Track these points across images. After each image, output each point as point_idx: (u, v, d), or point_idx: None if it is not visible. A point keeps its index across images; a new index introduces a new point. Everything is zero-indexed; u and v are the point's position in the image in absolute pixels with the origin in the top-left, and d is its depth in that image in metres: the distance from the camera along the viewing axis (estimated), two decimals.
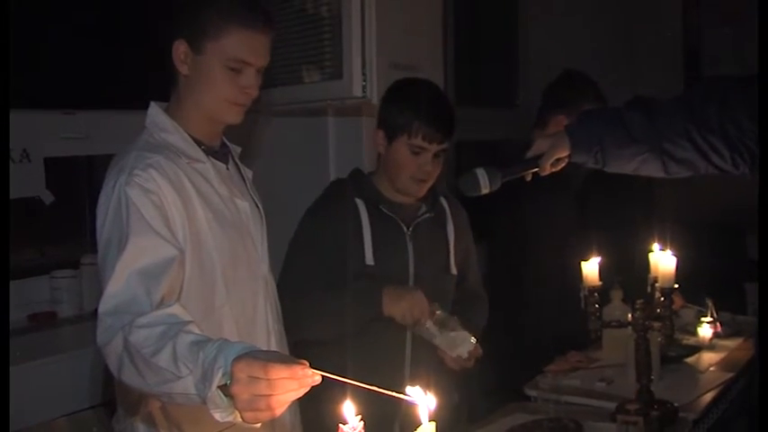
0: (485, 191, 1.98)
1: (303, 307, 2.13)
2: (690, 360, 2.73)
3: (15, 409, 1.91)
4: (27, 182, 2.87)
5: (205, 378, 1.26)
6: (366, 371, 2.23)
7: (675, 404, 2.25)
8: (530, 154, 2.02)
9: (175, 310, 1.45)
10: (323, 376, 1.23)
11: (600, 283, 2.22)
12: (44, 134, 2.88)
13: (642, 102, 2.00)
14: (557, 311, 2.89)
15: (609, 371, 2.68)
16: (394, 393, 1.21)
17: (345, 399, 1.15)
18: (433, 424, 1.15)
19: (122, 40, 3.11)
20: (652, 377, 2.23)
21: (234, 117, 1.80)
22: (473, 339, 2.14)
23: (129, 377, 1.43)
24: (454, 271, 2.36)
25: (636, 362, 2.23)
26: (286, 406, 1.21)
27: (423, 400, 1.16)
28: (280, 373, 1.18)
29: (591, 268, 2.21)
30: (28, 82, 2.76)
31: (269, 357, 1.22)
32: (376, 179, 2.33)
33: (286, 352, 1.99)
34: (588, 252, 2.21)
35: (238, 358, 1.22)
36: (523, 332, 3.10)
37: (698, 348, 2.80)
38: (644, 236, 2.44)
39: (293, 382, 1.19)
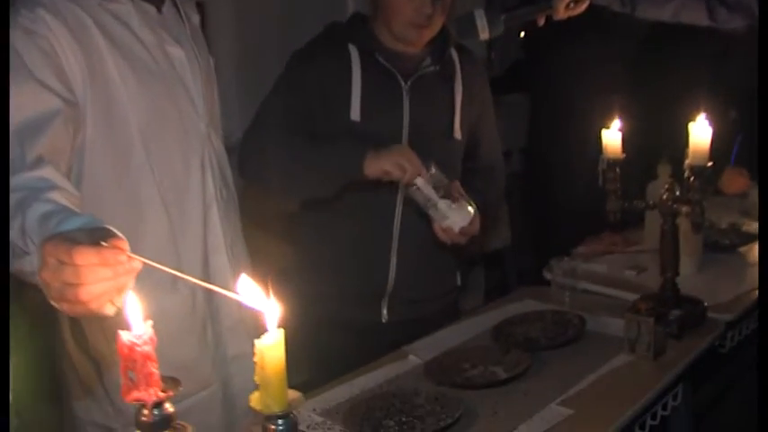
0: (483, 36, 1.68)
1: (269, 155, 1.87)
2: (743, 249, 2.36)
3: None
4: None
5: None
6: (348, 241, 2.00)
7: (706, 303, 1.91)
8: None
9: (46, 172, 1.21)
10: (144, 264, 0.98)
11: (623, 155, 1.85)
12: None
13: None
14: (596, 184, 2.54)
15: (644, 257, 2.35)
16: (228, 293, 0.95)
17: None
18: (282, 331, 0.89)
19: None
20: (679, 271, 1.89)
21: None
22: (471, 210, 1.82)
23: None
24: (459, 135, 2.02)
25: (660, 251, 1.89)
26: (103, 299, 0.97)
27: (264, 305, 0.89)
28: (87, 257, 0.94)
29: (612, 137, 1.83)
30: None
31: (92, 237, 0.98)
32: (375, 25, 1.99)
33: (237, 225, 1.76)
34: (612, 118, 1.83)
35: (49, 238, 0.98)
36: (559, 207, 2.78)
37: (755, 237, 2.41)
38: (701, 105, 2.02)
39: (106, 270, 0.95)
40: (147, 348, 0.84)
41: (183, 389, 1.60)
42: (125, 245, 0.98)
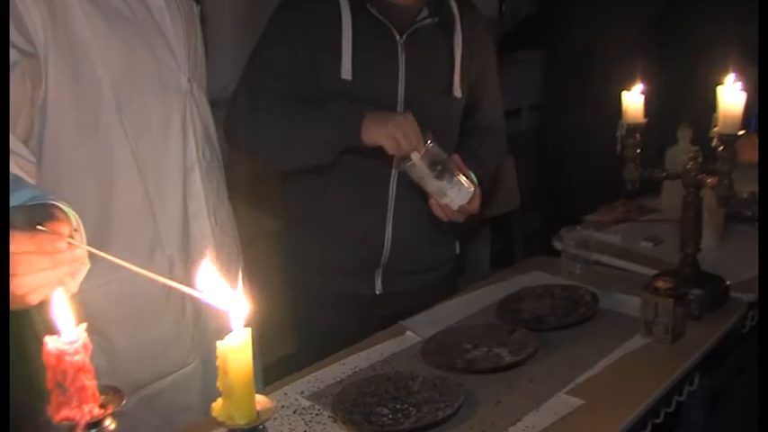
0: None
1: (256, 123, 1.71)
2: None
3: None
4: None
5: None
6: (341, 213, 1.83)
7: (728, 282, 1.78)
8: None
9: None
10: (86, 251, 0.84)
11: (644, 120, 1.69)
12: None
13: None
14: (613, 148, 2.39)
15: (661, 228, 2.21)
16: (187, 289, 0.82)
17: None
18: (249, 330, 0.76)
19: None
20: (701, 247, 1.75)
21: None
22: (470, 188, 1.67)
23: None
24: (458, 94, 1.84)
25: (681, 225, 1.74)
26: (41, 291, 0.83)
27: (228, 301, 0.75)
28: (20, 244, 0.80)
29: (634, 100, 1.68)
30: None
31: (30, 218, 0.84)
32: None
33: (222, 188, 1.62)
34: (632, 78, 1.68)
35: None
36: (571, 170, 2.63)
37: None
38: (728, 65, 1.85)
39: (43, 259, 0.81)
40: (80, 358, 0.70)
41: (160, 367, 1.52)
42: (66, 228, 0.84)
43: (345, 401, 1.38)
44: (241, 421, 0.76)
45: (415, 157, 1.61)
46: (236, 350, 0.74)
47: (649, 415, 1.46)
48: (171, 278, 1.46)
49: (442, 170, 1.63)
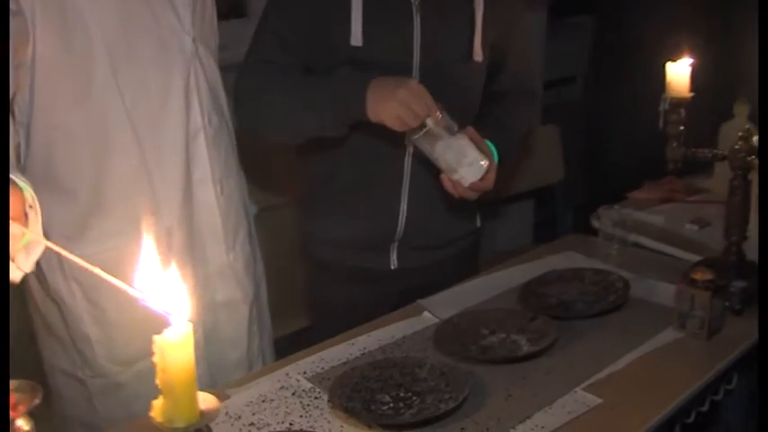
0: None
1: (262, 100, 1.59)
2: None
3: None
4: None
5: None
6: (355, 186, 1.69)
7: None
8: None
9: None
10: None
11: (690, 94, 1.55)
12: None
13: None
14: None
15: (710, 209, 2.05)
16: (139, 294, 0.74)
17: None
18: (190, 326, 0.68)
19: None
20: (747, 234, 1.61)
21: None
22: (483, 164, 1.55)
23: None
24: (479, 57, 1.67)
25: (726, 211, 1.61)
26: None
27: (170, 308, 0.67)
28: None
29: (679, 72, 1.53)
30: None
31: None
32: None
33: (231, 156, 1.54)
34: (681, 49, 1.53)
35: None
36: (617, 145, 2.48)
37: None
38: None
39: None
40: None
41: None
42: (22, 213, 0.77)
43: (345, 386, 1.30)
44: (181, 423, 0.69)
45: (426, 126, 1.48)
46: (175, 346, 0.66)
47: (679, 415, 1.35)
48: (170, 248, 1.41)
49: (452, 144, 1.51)
